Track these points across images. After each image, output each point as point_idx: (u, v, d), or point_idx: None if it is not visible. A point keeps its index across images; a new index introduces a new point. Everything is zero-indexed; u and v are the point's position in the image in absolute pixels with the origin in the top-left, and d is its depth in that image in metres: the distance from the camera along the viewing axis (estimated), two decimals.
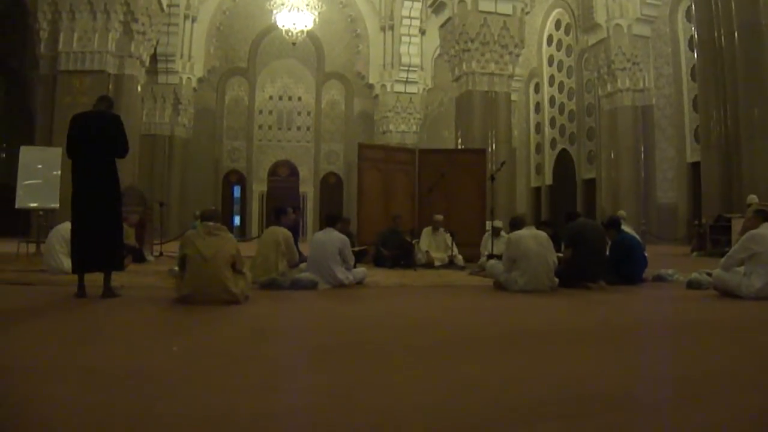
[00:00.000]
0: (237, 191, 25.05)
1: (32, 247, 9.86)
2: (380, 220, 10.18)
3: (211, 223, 4.77)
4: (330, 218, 6.49)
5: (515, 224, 6.27)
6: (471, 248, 9.69)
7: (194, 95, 22.62)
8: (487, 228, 9.79)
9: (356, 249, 8.69)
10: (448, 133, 23.85)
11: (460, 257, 9.34)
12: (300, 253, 7.17)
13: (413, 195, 10.94)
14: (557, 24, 23.08)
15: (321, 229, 6.46)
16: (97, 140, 4.74)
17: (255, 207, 24.75)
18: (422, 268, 8.95)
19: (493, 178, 9.07)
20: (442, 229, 9.58)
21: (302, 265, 6.43)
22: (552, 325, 3.95)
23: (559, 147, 22.99)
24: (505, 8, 16.56)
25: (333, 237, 6.17)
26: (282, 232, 6.20)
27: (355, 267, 6.51)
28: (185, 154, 22.17)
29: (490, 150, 15.72)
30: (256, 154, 24.99)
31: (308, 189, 25.25)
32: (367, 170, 10.53)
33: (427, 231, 9.64)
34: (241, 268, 4.83)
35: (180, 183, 21.78)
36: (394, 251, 9.20)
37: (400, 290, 6.16)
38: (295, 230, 8.04)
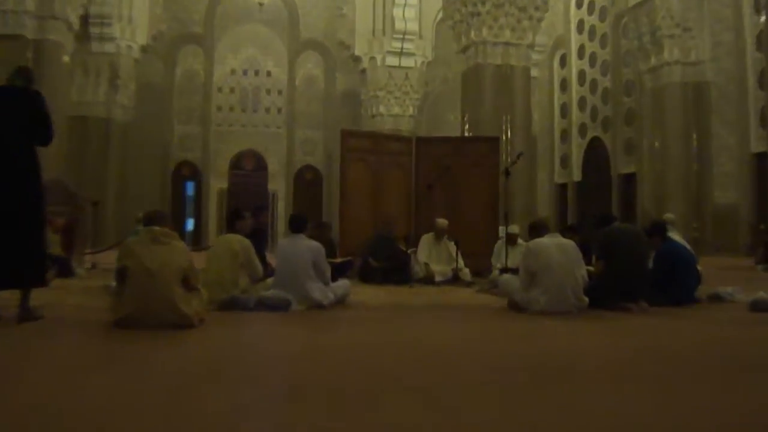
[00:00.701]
0: (190, 188, 25.01)
1: None
2: (368, 224, 10.21)
3: (157, 228, 4.76)
4: (295, 222, 6.49)
5: (535, 230, 6.28)
6: (480, 259, 9.76)
7: (136, 68, 22.55)
8: (501, 235, 9.86)
9: (339, 260, 8.72)
10: (453, 117, 23.92)
11: (466, 271, 9.42)
12: (267, 265, 7.14)
13: (409, 194, 10.98)
14: None
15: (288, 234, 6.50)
16: (11, 123, 4.68)
17: (213, 208, 24.73)
18: (420, 284, 9.01)
19: (507, 173, 9.12)
20: (445, 237, 9.63)
21: (269, 281, 6.44)
22: (582, 358, 3.93)
23: (591, 134, 23.10)
24: None
25: (302, 247, 6.18)
26: (238, 241, 6.20)
27: (335, 280, 6.52)
28: (125, 142, 22.07)
29: (504, 138, 15.77)
30: (214, 143, 24.97)
31: (279, 186, 25.25)
32: (352, 163, 10.57)
33: (426, 238, 9.71)
34: (196, 283, 4.84)
35: (118, 177, 21.66)
36: (386, 263, 9.25)
37: (393, 312, 6.16)
38: (261, 237, 8.02)
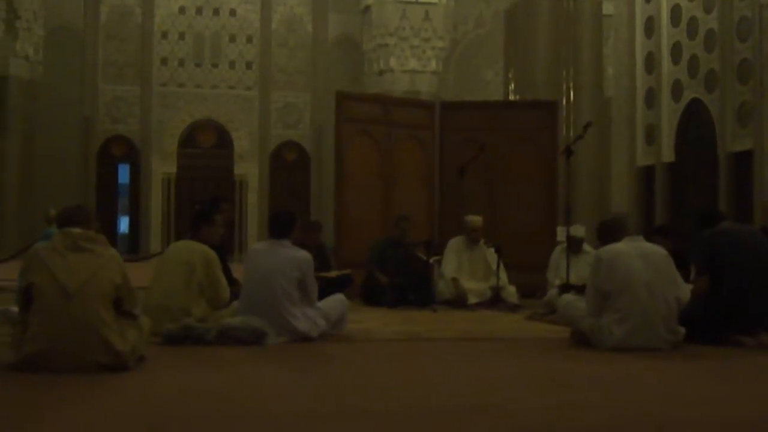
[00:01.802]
0: (124, 174, 25.08)
1: None
2: (375, 224, 10.33)
3: (77, 231, 4.76)
4: (279, 224, 6.49)
5: (609, 233, 6.27)
6: (531, 273, 9.82)
7: (45, 5, 22.57)
8: (560, 238, 9.88)
9: (333, 274, 8.76)
10: (492, 74, 23.91)
11: (512, 289, 9.47)
12: (235, 282, 7.18)
13: (432, 181, 11.03)
14: None
15: (264, 239, 6.54)
16: None
17: (156, 201, 24.80)
18: (446, 307, 9.11)
19: (570, 152, 9.09)
20: (481, 242, 9.66)
21: (234, 304, 6.47)
22: (686, 423, 3.72)
23: (688, 96, 22.98)
24: None
25: (284, 258, 6.21)
26: (200, 253, 6.26)
27: (325, 295, 6.59)
28: (30, 108, 22.05)
29: (565, 103, 15.73)
30: (157, 110, 25.03)
31: (249, 170, 25.29)
32: (352, 138, 10.65)
33: (454, 244, 9.78)
34: (132, 308, 4.86)
35: (20, 159, 21.68)
36: (399, 278, 9.36)
37: (409, 348, 6.19)
38: (220, 244, 8.05)
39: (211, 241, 6.68)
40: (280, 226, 6.44)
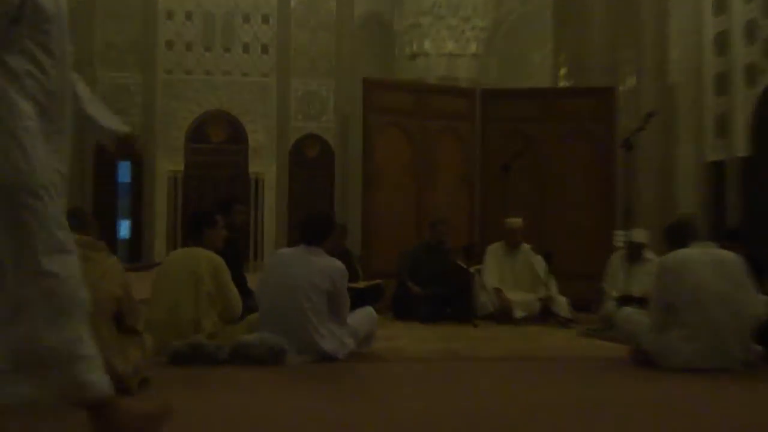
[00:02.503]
0: (125, 172, 25.17)
1: None
2: (407, 227, 10.39)
3: (74, 236, 4.77)
4: (315, 228, 6.49)
5: (675, 237, 6.25)
6: (585, 283, 9.80)
7: None
8: (618, 244, 9.85)
9: (362, 285, 8.82)
10: (540, 57, 23.81)
11: (563, 301, 9.49)
12: (249, 294, 7.19)
13: (472, 179, 11.01)
14: None
15: (292, 246, 6.58)
16: None
17: (161, 203, 24.88)
18: (489, 321, 9.14)
19: (629, 146, 9.06)
20: (527, 247, 9.66)
21: (251, 317, 6.51)
22: None
23: (765, 81, 22.83)
24: None
25: (316, 268, 6.23)
26: (206, 260, 6.30)
27: (354, 308, 6.62)
28: None
29: (623, 89, 15.66)
30: (162, 100, 25.13)
31: (266, 167, 25.33)
32: (381, 131, 10.70)
33: (494, 250, 9.87)
34: (134, 323, 4.89)
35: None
36: (435, 288, 9.40)
37: (446, 369, 6.21)
38: (235, 250, 8.06)
39: (215, 245, 6.72)
40: (314, 231, 6.44)
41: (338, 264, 6.34)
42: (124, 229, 25.09)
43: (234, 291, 6.40)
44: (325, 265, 6.24)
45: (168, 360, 5.71)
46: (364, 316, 6.61)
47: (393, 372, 6.03)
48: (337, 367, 5.96)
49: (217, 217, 6.96)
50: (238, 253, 8.32)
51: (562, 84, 16.26)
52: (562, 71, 16.82)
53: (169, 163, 25.04)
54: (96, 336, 4.50)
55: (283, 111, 25.47)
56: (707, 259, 5.95)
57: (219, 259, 6.37)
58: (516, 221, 9.78)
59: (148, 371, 4.94)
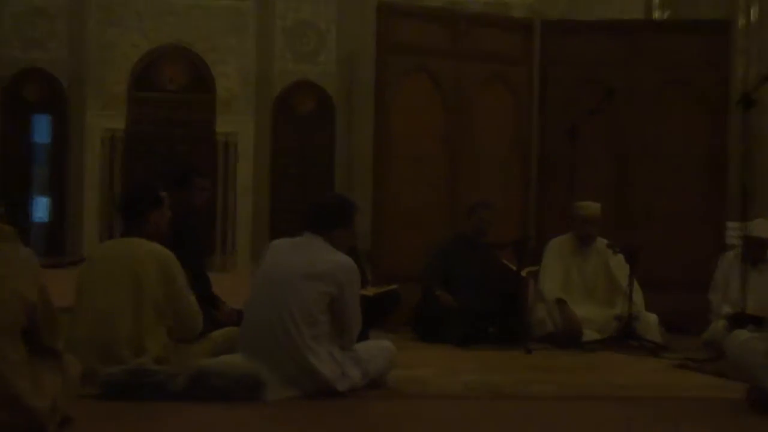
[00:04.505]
0: (42, 129, 25.13)
1: None
2: (436, 214, 10.39)
3: None
4: (325, 212, 6.55)
5: None
6: (683, 296, 9.86)
7: None
8: (731, 240, 9.92)
9: (372, 291, 8.77)
10: None
11: (651, 319, 9.43)
12: (212, 300, 7.23)
13: (527, 148, 10.96)
14: None
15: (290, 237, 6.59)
16: None
17: (92, 172, 24.83)
18: (548, 345, 9.12)
19: (749, 103, 9.04)
20: (602, 244, 9.68)
21: (216, 334, 6.58)
22: None
23: None
24: None
25: (318, 261, 6.26)
26: (152, 254, 6.30)
27: (364, 337, 6.69)
28: None
29: (743, 24, 15.57)
30: (96, 28, 25.10)
31: (240, 125, 25.28)
32: (402, 78, 10.69)
33: (559, 247, 9.81)
34: (53, 341, 4.86)
35: None
36: (474, 299, 9.38)
37: (487, 412, 6.20)
38: (192, 239, 8.07)
39: (159, 232, 6.67)
40: (325, 215, 6.50)
41: (346, 260, 6.33)
42: (41, 209, 24.98)
43: (191, 298, 6.36)
44: (329, 261, 6.25)
45: (99, 391, 5.67)
46: (378, 348, 6.62)
47: (412, 413, 6.02)
48: (335, 405, 5.94)
49: (162, 194, 6.85)
50: (197, 246, 8.31)
51: (656, 15, 16.23)
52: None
53: (104, 119, 25.00)
54: None
55: (265, 48, 25.46)
56: None
57: (168, 255, 6.32)
58: (592, 207, 9.63)
59: (70, 407, 4.90)
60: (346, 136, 24.87)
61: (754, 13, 15.91)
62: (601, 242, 9.62)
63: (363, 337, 6.77)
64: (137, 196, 6.87)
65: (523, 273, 9.34)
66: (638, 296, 9.37)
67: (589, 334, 9.19)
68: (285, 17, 25.63)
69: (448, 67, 10.78)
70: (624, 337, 9.18)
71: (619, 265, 9.45)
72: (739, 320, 7.82)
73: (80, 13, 24.90)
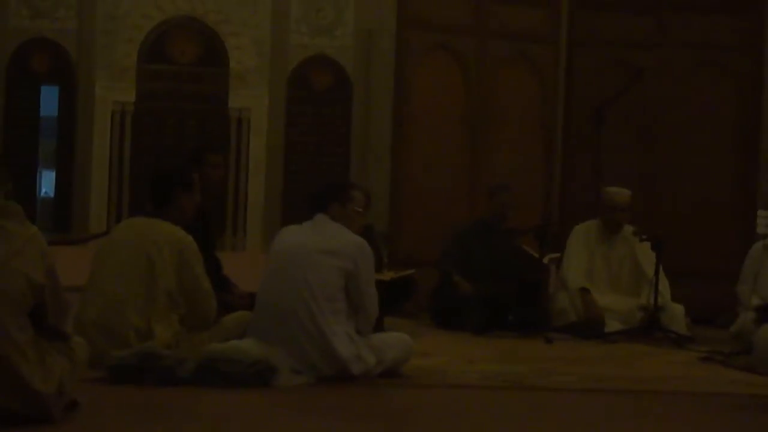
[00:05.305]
0: (49, 101, 25.13)
1: None
2: (454, 197, 10.38)
3: None
4: (318, 191, 6.61)
5: None
6: (711, 286, 9.82)
7: None
8: (763, 229, 9.82)
9: (388, 275, 8.78)
10: None
11: (678, 310, 9.39)
12: (224, 283, 7.18)
13: (551, 130, 10.92)
14: None
15: (301, 222, 6.55)
16: None
17: (101, 147, 24.85)
18: (569, 335, 9.09)
19: None
20: (629, 231, 9.60)
21: (227, 319, 6.54)
22: None
23: None
24: None
25: (333, 239, 6.28)
26: (170, 239, 6.28)
27: (380, 327, 6.66)
28: None
29: None
30: None
31: (254, 101, 25.28)
32: (422, 55, 10.64)
33: (584, 233, 9.74)
34: (60, 323, 4.82)
35: None
36: (493, 285, 9.36)
37: (506, 402, 6.19)
38: (204, 223, 8.03)
39: (185, 216, 6.66)
40: (317, 195, 6.60)
41: (358, 238, 6.35)
42: (47, 183, 25.05)
43: (207, 287, 6.33)
44: (342, 238, 6.28)
45: (108, 376, 5.66)
46: (395, 339, 6.62)
47: (428, 402, 6.02)
48: (348, 392, 5.95)
49: (194, 177, 6.89)
50: (209, 225, 8.24)
51: None
52: None
53: (114, 92, 25.02)
54: (4, 338, 4.51)
55: (280, 21, 25.45)
56: None
57: (188, 240, 6.31)
58: (623, 194, 9.52)
59: (77, 391, 4.88)
60: (363, 113, 24.83)
61: None
62: (628, 229, 9.55)
63: (379, 323, 6.73)
64: (167, 178, 6.84)
65: (545, 260, 9.32)
66: (664, 286, 9.30)
67: (613, 325, 9.13)
68: None
69: (470, 45, 10.71)
70: (648, 328, 9.12)
71: (645, 253, 9.37)
72: None
73: None
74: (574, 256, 9.49)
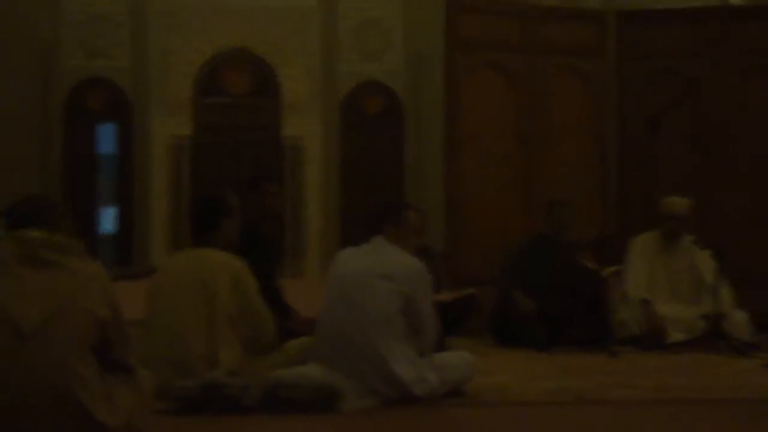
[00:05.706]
0: (108, 138, 25.20)
1: None
2: (511, 214, 10.43)
3: (36, 234, 4.81)
4: (371, 213, 6.70)
5: None
6: None
7: None
8: None
9: (447, 296, 8.74)
10: None
11: (741, 318, 9.37)
12: (285, 310, 7.24)
13: (604, 143, 10.91)
14: None
15: (357, 244, 6.60)
16: None
17: (159, 181, 24.89)
18: (633, 347, 9.10)
19: None
20: (688, 240, 9.53)
21: (290, 345, 6.60)
22: None
23: None
24: None
25: (390, 263, 6.31)
26: (223, 265, 6.34)
27: (442, 347, 6.68)
28: None
29: None
30: (157, 35, 25.21)
31: (307, 128, 25.27)
32: (473, 75, 10.71)
33: (644, 245, 9.74)
34: (125, 357, 4.87)
35: None
36: (554, 301, 9.38)
37: (570, 418, 6.21)
38: (265, 247, 8.09)
39: (230, 240, 6.73)
40: (371, 217, 6.70)
41: (414, 260, 6.37)
42: (108, 220, 25.07)
43: (263, 309, 6.38)
44: (397, 261, 6.30)
45: (174, 406, 5.73)
46: (458, 358, 6.67)
47: (491, 420, 6.03)
48: (413, 413, 5.97)
49: (233, 202, 6.92)
50: (270, 253, 8.30)
51: (739, 1, 16.10)
52: None
53: (170, 126, 25.00)
54: (70, 372, 4.51)
55: (331, 49, 25.47)
56: None
57: (241, 265, 6.36)
58: (682, 203, 9.56)
59: (145, 423, 4.89)
60: (414, 135, 24.81)
61: None
62: (687, 238, 9.52)
63: (440, 344, 6.76)
64: (207, 206, 6.92)
65: (604, 273, 9.28)
66: (727, 293, 9.27)
67: (675, 335, 9.11)
68: (349, 16, 25.62)
69: (519, 62, 10.76)
70: (712, 336, 9.09)
71: (705, 261, 9.34)
72: None
73: (141, 21, 25.01)
74: (634, 268, 9.47)
